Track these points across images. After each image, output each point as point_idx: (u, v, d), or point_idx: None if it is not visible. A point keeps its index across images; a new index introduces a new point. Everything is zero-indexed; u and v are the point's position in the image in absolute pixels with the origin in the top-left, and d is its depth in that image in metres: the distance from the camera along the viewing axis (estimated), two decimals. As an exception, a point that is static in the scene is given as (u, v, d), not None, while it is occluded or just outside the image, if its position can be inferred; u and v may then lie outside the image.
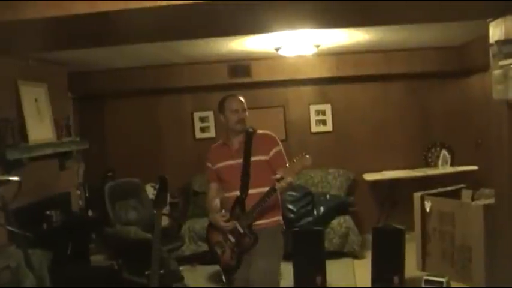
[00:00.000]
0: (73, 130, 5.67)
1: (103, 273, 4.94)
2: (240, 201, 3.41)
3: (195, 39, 4.70)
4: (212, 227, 3.58)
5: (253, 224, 3.37)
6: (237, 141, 3.49)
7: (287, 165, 3.22)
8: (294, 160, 3.18)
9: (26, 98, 4.69)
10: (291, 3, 2.83)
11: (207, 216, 6.00)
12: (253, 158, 3.41)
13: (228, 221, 3.39)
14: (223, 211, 3.47)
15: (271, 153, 3.43)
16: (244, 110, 3.48)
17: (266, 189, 3.33)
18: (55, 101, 5.21)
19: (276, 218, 3.50)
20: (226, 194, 3.53)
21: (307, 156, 3.16)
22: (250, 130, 3.50)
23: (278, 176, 3.16)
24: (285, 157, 3.46)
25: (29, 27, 2.98)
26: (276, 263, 3.47)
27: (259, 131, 3.54)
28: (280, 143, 3.51)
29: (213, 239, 3.56)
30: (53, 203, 4.91)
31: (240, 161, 3.42)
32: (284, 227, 3.59)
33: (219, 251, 3.52)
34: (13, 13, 2.70)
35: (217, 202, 3.55)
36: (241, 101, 3.50)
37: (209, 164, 3.60)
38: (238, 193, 3.41)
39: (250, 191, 3.39)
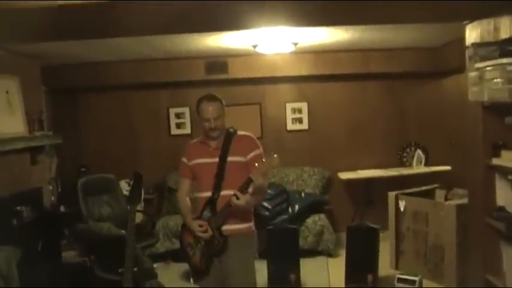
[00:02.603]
0: (46, 124, 5.56)
1: (75, 270, 4.87)
2: (211, 202, 3.29)
3: (173, 35, 4.66)
4: (185, 227, 3.46)
5: (225, 229, 3.26)
6: (215, 141, 3.35)
7: (256, 164, 3.10)
8: (263, 160, 3.12)
9: (-3, 90, 4.58)
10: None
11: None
12: (230, 158, 3.29)
13: (206, 231, 3.25)
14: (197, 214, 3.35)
15: (250, 155, 3.30)
16: (216, 118, 3.27)
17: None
18: (27, 94, 5.10)
19: (247, 224, 3.39)
20: (199, 194, 3.39)
21: (275, 155, 3.09)
22: (231, 130, 3.38)
23: (247, 178, 3.09)
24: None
25: (5, 18, 2.90)
26: (251, 268, 3.41)
27: (240, 132, 3.41)
28: (259, 146, 3.38)
29: (185, 240, 3.45)
30: (24, 199, 4.80)
31: (217, 160, 3.30)
32: (255, 233, 3.47)
33: (189, 253, 3.42)
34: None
35: (188, 203, 3.44)
36: (214, 108, 3.28)
37: (184, 159, 3.45)
38: (210, 193, 3.30)
39: (223, 192, 3.25)
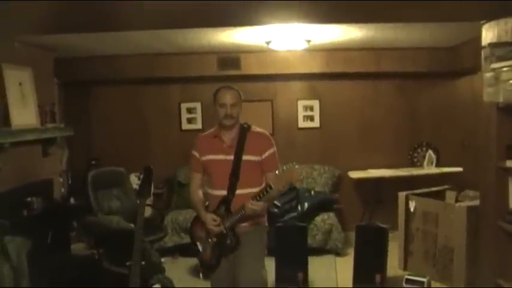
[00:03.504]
0: (58, 116, 5.58)
1: (83, 262, 4.88)
2: (225, 201, 3.27)
3: (186, 29, 4.65)
4: (197, 220, 3.46)
5: (238, 225, 3.27)
6: (229, 136, 3.32)
7: (276, 172, 3.13)
8: (284, 168, 3.11)
9: (10, 82, 4.59)
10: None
11: (191, 208, 6.05)
12: (244, 157, 3.26)
13: (218, 225, 3.26)
14: (210, 211, 3.35)
15: (265, 155, 3.30)
16: (233, 105, 3.26)
17: (254, 190, 3.22)
18: (40, 86, 5.11)
19: (261, 219, 3.39)
20: (211, 191, 3.38)
21: (297, 166, 3.09)
22: (245, 126, 3.35)
23: (266, 185, 3.10)
24: (277, 159, 3.36)
25: (21, 9, 2.90)
26: (262, 262, 3.42)
27: (254, 129, 3.37)
28: (274, 144, 3.37)
29: (196, 234, 3.45)
30: (35, 190, 4.82)
31: (231, 157, 3.27)
32: (268, 228, 3.50)
33: (200, 247, 3.42)
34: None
35: (201, 196, 3.43)
36: (232, 95, 3.29)
37: (196, 153, 3.40)
38: (224, 192, 3.28)
39: (238, 192, 3.25)
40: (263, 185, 3.24)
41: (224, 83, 3.53)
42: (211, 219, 3.27)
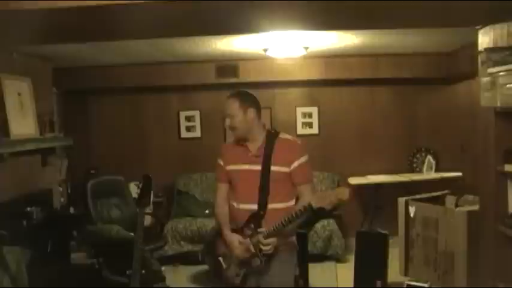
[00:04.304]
0: (57, 126, 5.59)
1: (83, 271, 4.88)
2: (256, 217, 2.95)
3: (184, 38, 4.66)
4: (220, 236, 3.14)
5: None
6: (256, 144, 3.02)
7: (319, 191, 2.87)
8: (330, 190, 2.89)
9: (9, 92, 4.60)
10: (281, 3, 2.81)
11: (191, 216, 6.07)
12: (273, 168, 2.94)
13: (247, 250, 2.95)
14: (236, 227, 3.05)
15: (294, 165, 2.96)
16: (230, 116, 2.99)
17: (284, 204, 2.96)
18: (39, 96, 5.12)
19: (289, 239, 3.11)
20: (236, 205, 3.05)
21: (346, 189, 2.77)
22: (273, 132, 3.07)
23: (306, 204, 2.78)
24: (310, 169, 3.07)
25: (18, 19, 2.91)
26: (291, 283, 3.19)
27: (283, 135, 3.07)
28: (305, 153, 3.03)
29: (219, 249, 3.13)
30: (34, 200, 4.82)
31: (258, 168, 2.96)
32: (298, 247, 3.25)
33: (223, 264, 3.10)
34: (2, 4, 2.63)
35: (227, 211, 3.12)
36: (229, 104, 3.01)
37: (221, 162, 3.13)
38: (252, 206, 2.96)
39: (269, 206, 2.94)
40: (295, 203, 3.00)
41: (223, 91, 3.50)
42: (237, 242, 2.99)
